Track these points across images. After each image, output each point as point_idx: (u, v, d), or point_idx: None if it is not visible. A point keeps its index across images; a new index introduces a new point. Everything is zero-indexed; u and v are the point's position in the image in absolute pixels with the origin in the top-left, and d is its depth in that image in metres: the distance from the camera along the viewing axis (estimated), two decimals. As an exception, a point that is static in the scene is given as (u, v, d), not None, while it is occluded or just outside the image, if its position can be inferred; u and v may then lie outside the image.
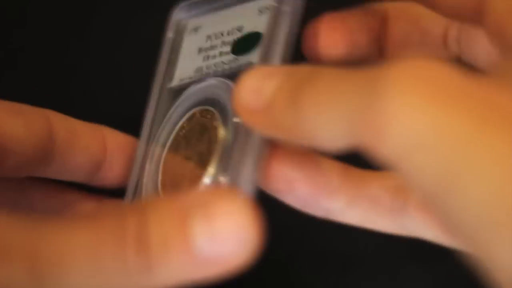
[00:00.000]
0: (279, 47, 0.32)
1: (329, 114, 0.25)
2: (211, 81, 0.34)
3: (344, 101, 0.24)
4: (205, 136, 0.33)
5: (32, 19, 0.48)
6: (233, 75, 0.33)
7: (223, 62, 0.35)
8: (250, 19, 0.34)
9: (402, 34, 0.34)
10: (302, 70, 0.27)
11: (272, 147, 0.31)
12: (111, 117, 0.45)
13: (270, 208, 0.43)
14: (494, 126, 0.21)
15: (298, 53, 0.33)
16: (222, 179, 0.31)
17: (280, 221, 0.43)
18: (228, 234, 0.26)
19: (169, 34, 0.37)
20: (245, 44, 0.34)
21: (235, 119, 0.32)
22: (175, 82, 0.36)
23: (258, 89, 0.28)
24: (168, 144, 0.35)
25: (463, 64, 0.33)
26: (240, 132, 0.31)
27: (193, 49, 0.36)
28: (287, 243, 0.43)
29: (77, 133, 0.36)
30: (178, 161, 0.34)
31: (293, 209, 0.43)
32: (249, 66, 0.33)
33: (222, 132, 0.32)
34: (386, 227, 0.32)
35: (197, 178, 0.32)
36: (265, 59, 0.32)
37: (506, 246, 0.21)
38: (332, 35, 0.33)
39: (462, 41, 0.33)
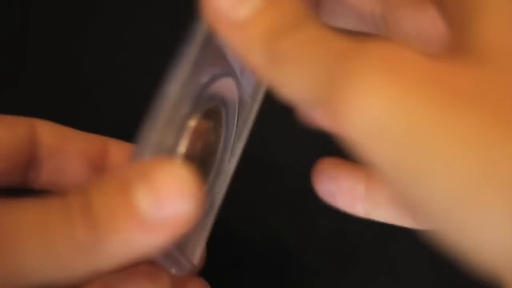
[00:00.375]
0: None
1: (299, 70, 0.24)
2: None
3: (317, 64, 0.24)
4: None
5: (33, 20, 0.48)
6: None
7: None
8: None
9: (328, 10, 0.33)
10: (289, 8, 0.26)
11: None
12: (111, 117, 0.45)
13: (269, 209, 0.44)
14: (455, 109, 0.22)
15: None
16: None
17: (280, 222, 0.43)
18: (171, 194, 0.27)
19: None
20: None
21: None
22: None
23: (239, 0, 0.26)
24: None
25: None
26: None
27: None
28: (287, 243, 0.43)
29: (68, 139, 0.35)
30: None
31: (293, 211, 0.44)
32: None
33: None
34: (409, 223, 0.33)
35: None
36: None
37: (486, 223, 0.21)
38: None
39: (389, 20, 0.33)
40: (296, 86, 0.25)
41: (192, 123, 0.31)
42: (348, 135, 0.23)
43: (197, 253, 0.32)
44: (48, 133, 0.35)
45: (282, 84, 0.25)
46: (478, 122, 0.21)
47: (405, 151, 0.22)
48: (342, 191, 0.33)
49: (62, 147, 0.35)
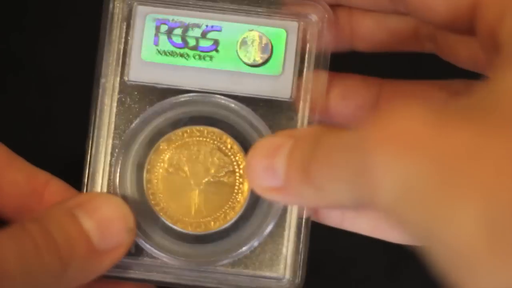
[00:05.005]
0: None
1: (335, 184, 0.27)
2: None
3: (343, 171, 0.27)
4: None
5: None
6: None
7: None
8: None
9: (369, 30, 0.35)
10: (305, 140, 0.29)
11: None
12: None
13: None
14: (457, 179, 0.23)
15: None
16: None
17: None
18: (111, 222, 0.31)
19: None
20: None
21: None
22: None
23: (270, 168, 0.30)
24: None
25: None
26: None
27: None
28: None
29: (12, 166, 0.35)
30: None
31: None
32: None
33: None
34: (396, 238, 0.34)
35: None
36: None
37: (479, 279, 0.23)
38: None
39: (439, 40, 0.34)
40: (341, 198, 0.27)
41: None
42: (378, 209, 0.25)
43: None
44: None
45: (334, 203, 0.28)
46: (481, 179, 0.23)
47: (417, 217, 0.24)
48: None
49: (5, 171, 0.35)
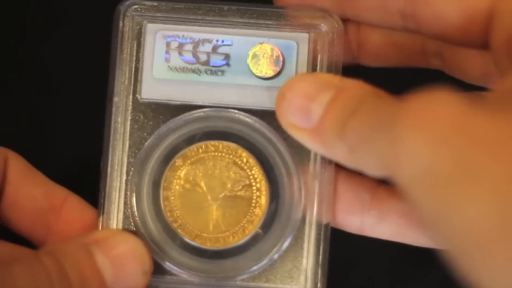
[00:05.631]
0: None
1: (367, 147, 0.28)
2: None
3: (377, 138, 0.27)
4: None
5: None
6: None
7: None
8: None
9: (376, 45, 0.35)
10: (348, 95, 0.29)
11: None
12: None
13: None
14: (477, 164, 0.24)
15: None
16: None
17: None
18: (127, 262, 0.31)
19: None
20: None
21: None
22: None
23: (306, 109, 0.30)
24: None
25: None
26: None
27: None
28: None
29: (32, 180, 0.35)
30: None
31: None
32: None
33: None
34: (418, 241, 0.34)
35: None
36: None
37: (500, 276, 0.23)
38: None
39: (446, 57, 0.35)
40: (368, 162, 0.28)
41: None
42: (399, 181, 0.26)
43: None
44: (17, 169, 0.35)
45: (362, 165, 0.29)
46: (499, 171, 0.23)
47: (436, 197, 0.25)
48: (343, 198, 0.34)
49: (24, 186, 0.35)
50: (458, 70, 0.34)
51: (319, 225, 0.34)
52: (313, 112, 0.30)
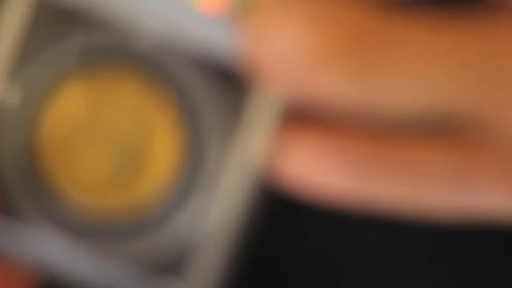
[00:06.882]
0: None
1: (415, 82, 0.21)
2: None
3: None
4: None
5: None
6: None
7: None
8: None
9: None
10: (352, 22, 0.21)
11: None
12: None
13: (270, 208, 0.44)
14: None
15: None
16: None
17: (279, 221, 0.43)
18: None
19: None
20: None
21: None
22: None
23: (300, 40, 0.20)
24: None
25: None
26: None
27: None
28: (287, 243, 0.43)
29: None
30: None
31: (293, 210, 0.44)
32: None
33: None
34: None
35: None
36: None
37: None
38: None
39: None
40: (414, 95, 0.21)
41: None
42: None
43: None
44: None
45: (393, 101, 0.21)
46: None
47: None
48: None
49: None
50: None
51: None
52: (311, 43, 0.20)
